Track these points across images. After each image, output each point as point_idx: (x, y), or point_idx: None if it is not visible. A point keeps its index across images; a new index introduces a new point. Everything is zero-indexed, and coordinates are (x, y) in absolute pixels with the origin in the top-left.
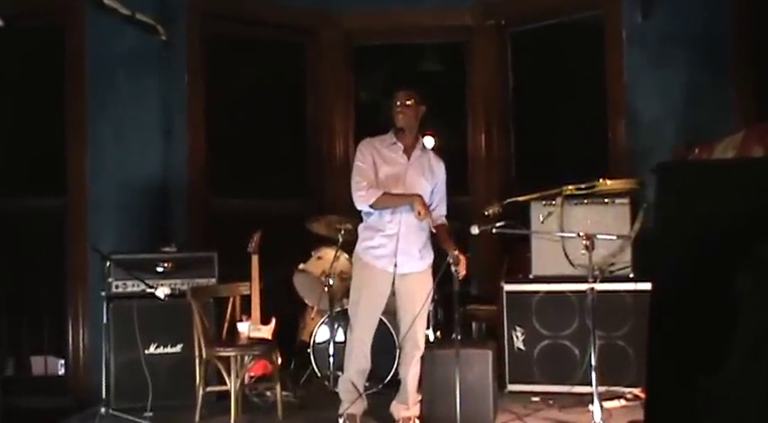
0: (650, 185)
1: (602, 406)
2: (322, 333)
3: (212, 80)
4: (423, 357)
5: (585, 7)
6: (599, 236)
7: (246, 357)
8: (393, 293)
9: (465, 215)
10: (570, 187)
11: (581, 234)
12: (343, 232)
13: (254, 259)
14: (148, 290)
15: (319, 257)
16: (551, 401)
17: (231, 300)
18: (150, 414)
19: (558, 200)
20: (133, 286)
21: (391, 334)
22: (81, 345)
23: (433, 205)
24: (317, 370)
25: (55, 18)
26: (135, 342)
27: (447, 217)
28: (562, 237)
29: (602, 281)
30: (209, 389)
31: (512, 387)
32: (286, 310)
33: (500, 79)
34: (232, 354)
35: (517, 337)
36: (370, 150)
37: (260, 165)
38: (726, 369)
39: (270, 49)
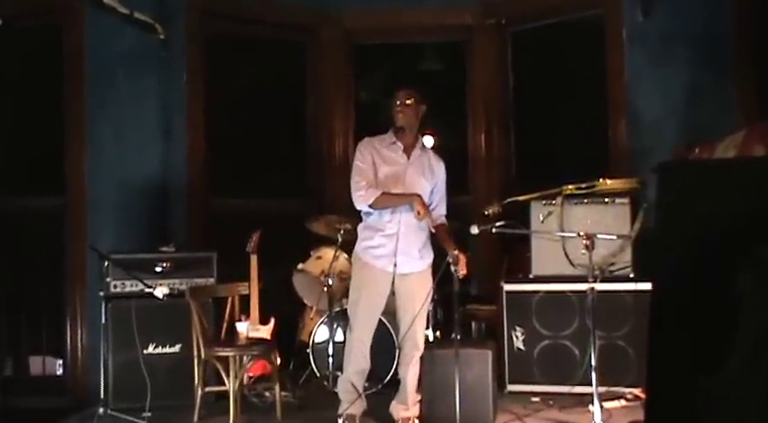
0: (651, 185)
1: (602, 406)
2: (321, 333)
3: (212, 79)
4: (422, 357)
5: (586, 6)
6: (599, 235)
7: (245, 357)
8: (392, 293)
9: (465, 215)
10: (570, 187)
11: (581, 234)
12: (342, 232)
13: (253, 259)
14: (147, 290)
15: (318, 257)
16: (551, 402)
17: (230, 300)
18: (149, 414)
19: (559, 199)
20: (132, 286)
21: (390, 334)
22: (79, 345)
23: (432, 205)
24: (316, 370)
25: (54, 17)
26: (133, 342)
27: (447, 216)
28: (562, 236)
29: (602, 281)
30: (207, 389)
31: (511, 387)
32: (285, 310)
33: (500, 78)
34: (231, 354)
35: (517, 337)
36: (369, 150)
37: (259, 164)
38: (726, 369)
39: (269, 48)
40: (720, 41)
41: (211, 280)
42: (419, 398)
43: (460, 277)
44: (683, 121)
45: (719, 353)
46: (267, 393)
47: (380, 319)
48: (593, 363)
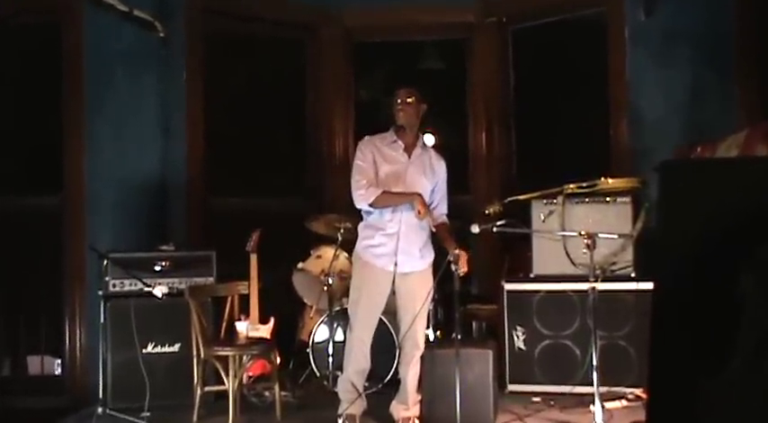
0: (652, 184)
1: (603, 406)
2: (321, 332)
3: (211, 77)
4: (423, 357)
5: (588, 5)
6: (600, 235)
7: (245, 357)
8: (393, 293)
9: (465, 214)
10: (572, 186)
11: (582, 233)
12: (342, 231)
13: (253, 258)
14: (146, 289)
15: (318, 256)
16: (552, 402)
17: (229, 299)
18: (148, 414)
19: (560, 198)
20: (131, 285)
21: (391, 333)
22: (78, 344)
23: (433, 204)
24: (315, 370)
25: (52, 15)
26: (132, 341)
27: (448, 215)
28: (563, 236)
29: (603, 280)
30: (207, 389)
31: (512, 387)
32: (285, 309)
33: (501, 77)
34: (230, 353)
35: (518, 337)
36: (370, 149)
37: (259, 163)
38: (728, 369)
39: (269, 46)
40: (723, 40)
41: (211, 279)
42: (419, 398)
43: (461, 275)
44: (684, 121)
45: (721, 353)
46: (267, 393)
47: (381, 319)
48: (594, 363)
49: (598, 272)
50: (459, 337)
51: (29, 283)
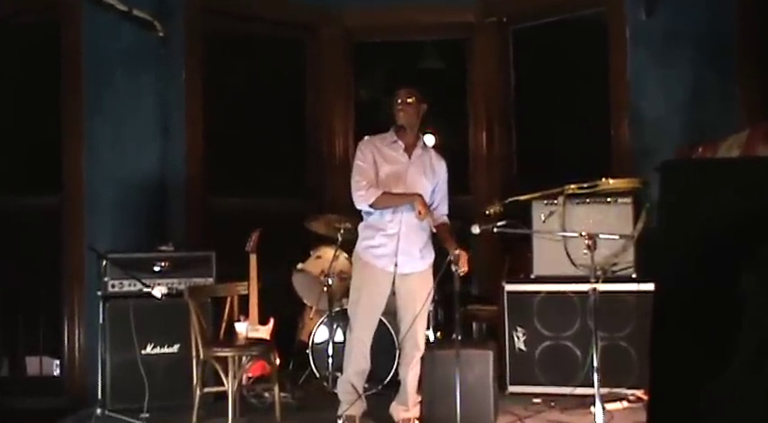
0: (653, 185)
1: (604, 408)
2: (321, 333)
3: (210, 77)
4: (423, 358)
5: (588, 4)
6: (601, 235)
7: (244, 358)
8: (393, 293)
9: (466, 214)
10: (572, 186)
11: (583, 234)
12: (342, 231)
13: (253, 259)
14: (145, 289)
15: (318, 257)
16: (553, 403)
17: (229, 300)
18: (147, 415)
19: (560, 199)
20: (130, 286)
21: (391, 334)
22: (77, 345)
23: (434, 204)
24: (315, 371)
25: (52, 14)
26: (131, 342)
27: (449, 216)
28: (564, 236)
29: (604, 281)
30: (206, 390)
31: (513, 388)
32: (284, 310)
33: (502, 77)
34: (230, 354)
35: (518, 338)
36: (370, 149)
37: (259, 163)
38: (729, 370)
39: (269, 45)
40: (724, 40)
41: (210, 279)
42: (419, 399)
43: (461, 275)
44: (686, 121)
45: (723, 353)
46: (266, 394)
47: (381, 320)
48: (595, 364)
49: (599, 273)
50: (459, 337)
51: (27, 283)
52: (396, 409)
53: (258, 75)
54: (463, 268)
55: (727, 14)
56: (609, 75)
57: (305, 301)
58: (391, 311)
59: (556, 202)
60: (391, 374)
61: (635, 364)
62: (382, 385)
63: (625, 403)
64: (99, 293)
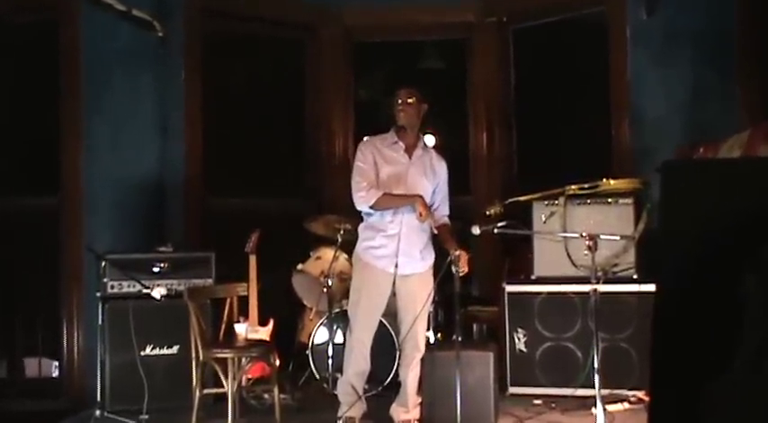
0: (654, 185)
1: (605, 409)
2: (321, 334)
3: (210, 77)
4: (423, 359)
5: (589, 4)
6: (602, 236)
7: (244, 359)
8: (393, 294)
9: (466, 215)
10: (573, 187)
11: (584, 234)
12: (342, 232)
13: (252, 259)
14: (144, 290)
15: (318, 258)
16: (553, 404)
17: (228, 301)
18: (146, 417)
19: (561, 200)
20: (129, 287)
21: (391, 335)
22: (76, 346)
23: (435, 205)
24: (315, 372)
25: (50, 13)
26: (131, 343)
27: (449, 216)
28: (565, 237)
29: (605, 282)
30: (205, 391)
31: (513, 390)
32: (284, 311)
33: (502, 77)
34: (229, 355)
35: (519, 339)
36: (370, 150)
37: (258, 163)
38: (731, 370)
39: (268, 45)
40: (724, 40)
41: (209, 281)
42: (419, 400)
43: (461, 275)
44: (686, 121)
45: (724, 354)
46: (266, 395)
47: (381, 321)
48: (595, 365)
49: (600, 273)
50: (459, 339)
51: (26, 284)
52: (396, 411)
53: (258, 75)
54: (463, 269)
55: (727, 14)
56: (609, 75)
57: (305, 302)
58: (391, 312)
59: (556, 202)
60: (391, 376)
61: (636, 365)
62: (382, 386)
63: (626, 404)
64: (98, 294)
